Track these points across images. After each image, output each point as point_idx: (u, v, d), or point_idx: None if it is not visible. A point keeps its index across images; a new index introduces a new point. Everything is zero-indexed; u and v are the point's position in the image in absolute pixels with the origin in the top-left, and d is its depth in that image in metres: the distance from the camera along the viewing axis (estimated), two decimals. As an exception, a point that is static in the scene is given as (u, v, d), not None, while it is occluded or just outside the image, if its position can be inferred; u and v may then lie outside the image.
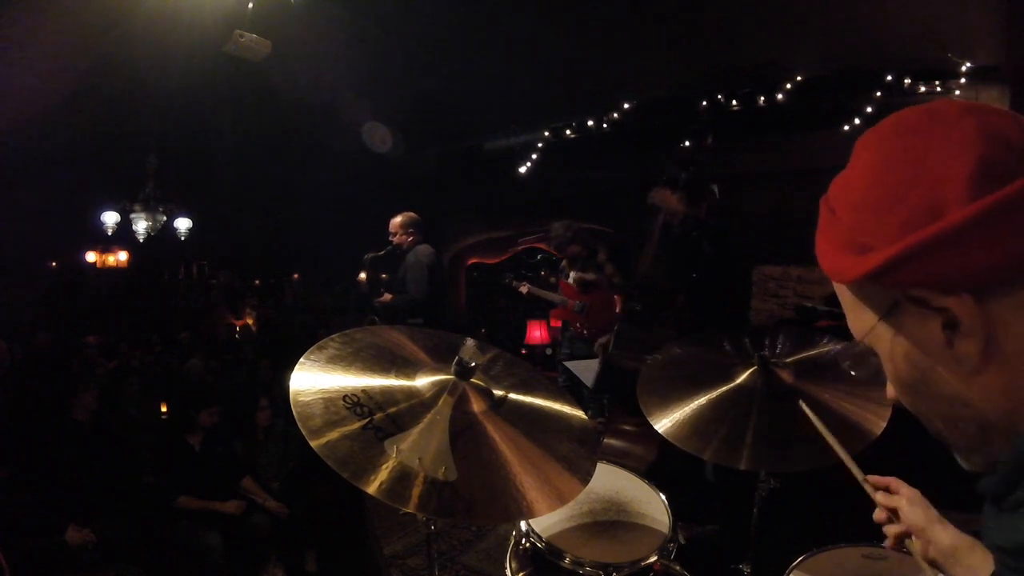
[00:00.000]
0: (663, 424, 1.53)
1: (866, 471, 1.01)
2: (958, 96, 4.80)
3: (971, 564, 0.87)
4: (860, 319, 0.57)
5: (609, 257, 4.63)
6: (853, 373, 0.64)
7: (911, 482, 1.01)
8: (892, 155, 0.52)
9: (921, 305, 0.50)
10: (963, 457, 0.56)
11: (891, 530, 0.94)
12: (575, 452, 1.23)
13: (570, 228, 4.55)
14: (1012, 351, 0.48)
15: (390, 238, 4.45)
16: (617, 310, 4.48)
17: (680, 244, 3.06)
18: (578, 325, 4.51)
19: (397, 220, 4.44)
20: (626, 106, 6.29)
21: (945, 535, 0.90)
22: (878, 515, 0.97)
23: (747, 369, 1.61)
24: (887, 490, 0.99)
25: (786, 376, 1.57)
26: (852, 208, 0.53)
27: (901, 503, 0.95)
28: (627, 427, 2.57)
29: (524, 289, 4.83)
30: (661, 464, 2.32)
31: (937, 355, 0.52)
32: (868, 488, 0.99)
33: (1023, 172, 0.45)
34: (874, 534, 1.05)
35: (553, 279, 4.75)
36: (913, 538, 0.93)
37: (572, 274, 4.63)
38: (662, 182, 3.12)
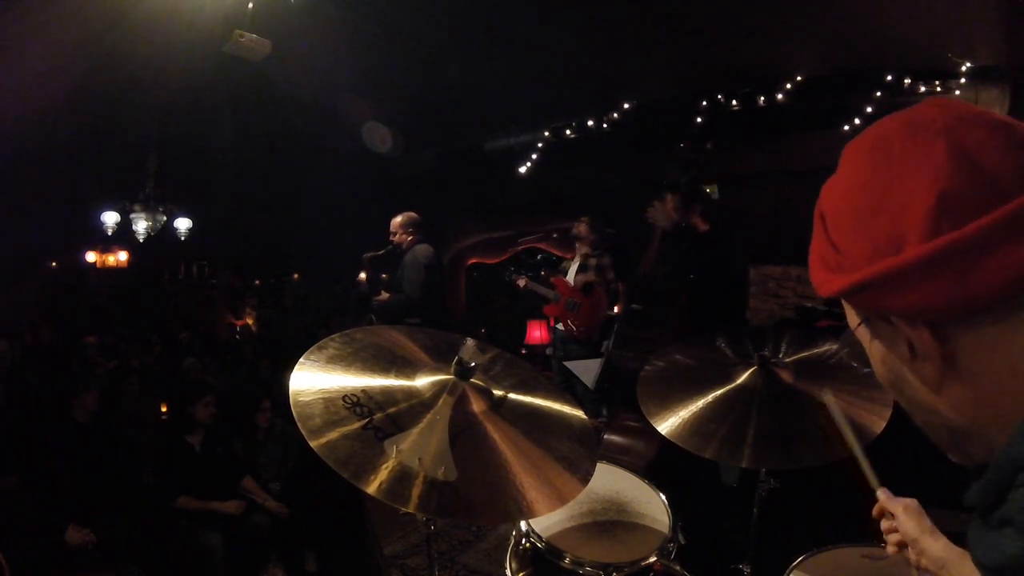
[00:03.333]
0: (664, 425, 1.53)
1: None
2: (958, 96, 4.79)
3: (960, 575, 0.89)
4: (849, 317, 0.59)
5: (612, 262, 4.67)
6: (855, 364, 0.68)
7: (911, 481, 1.02)
8: (865, 173, 0.53)
9: (889, 323, 0.52)
10: (944, 451, 0.57)
11: (892, 538, 1.00)
12: (575, 452, 1.23)
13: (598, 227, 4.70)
14: (976, 372, 0.49)
15: (390, 237, 4.46)
16: (608, 311, 4.52)
17: (674, 253, 3.08)
18: (569, 322, 4.53)
19: (397, 220, 4.46)
20: (626, 106, 6.29)
21: (936, 545, 0.93)
22: (876, 510, 1.03)
23: (747, 369, 1.61)
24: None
25: (786, 376, 1.58)
26: (833, 220, 0.55)
27: (898, 510, 0.99)
28: (628, 423, 2.57)
29: (522, 282, 4.87)
30: (662, 460, 2.32)
31: (905, 366, 0.54)
32: (873, 482, 1.03)
33: (988, 206, 0.45)
34: (874, 534, 1.07)
35: (553, 280, 4.77)
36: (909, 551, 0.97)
37: (574, 275, 4.66)
38: (663, 186, 3.12)
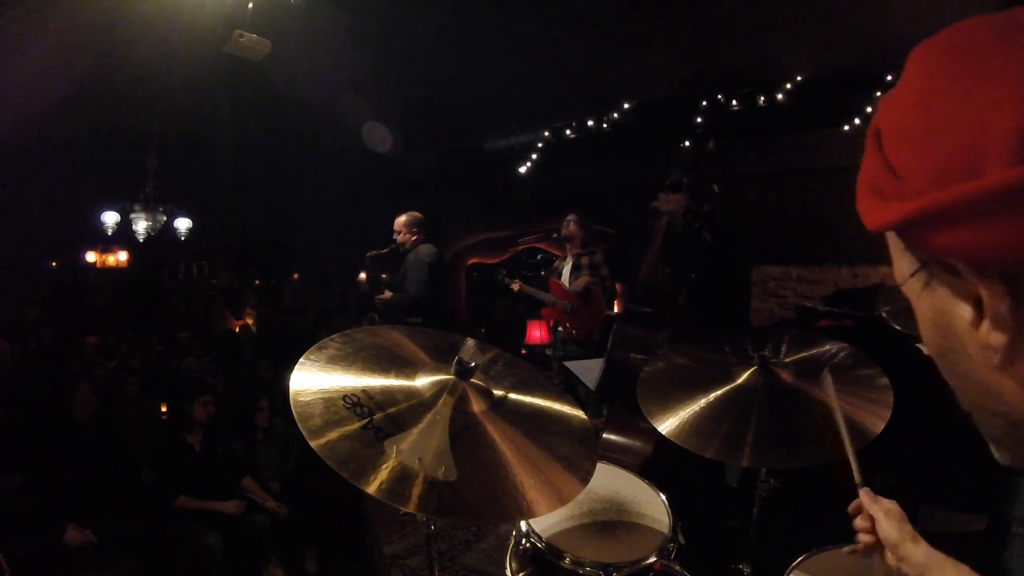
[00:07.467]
0: (664, 424, 1.53)
1: (867, 472, 1.02)
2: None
3: None
4: (899, 266, 0.48)
5: (605, 259, 4.64)
6: (898, 328, 0.59)
7: (910, 481, 1.02)
8: (938, 78, 0.43)
9: (952, 273, 0.42)
10: (992, 446, 0.48)
11: (865, 538, 0.98)
12: (575, 452, 1.23)
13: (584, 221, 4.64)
14: None
15: (394, 237, 4.47)
16: (606, 312, 4.51)
17: (682, 238, 3.05)
18: (567, 325, 4.52)
19: (401, 219, 4.47)
20: (626, 106, 6.29)
21: (917, 551, 0.91)
22: (853, 507, 1.01)
23: (747, 369, 1.61)
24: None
25: (786, 376, 1.58)
26: (892, 136, 0.45)
27: (879, 514, 0.97)
28: (626, 423, 2.57)
29: (516, 286, 4.83)
30: (659, 460, 2.32)
31: (965, 332, 0.43)
32: (858, 478, 1.03)
33: None
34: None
35: (549, 283, 4.75)
36: (886, 553, 0.95)
37: (568, 276, 4.64)
38: (665, 187, 3.12)
